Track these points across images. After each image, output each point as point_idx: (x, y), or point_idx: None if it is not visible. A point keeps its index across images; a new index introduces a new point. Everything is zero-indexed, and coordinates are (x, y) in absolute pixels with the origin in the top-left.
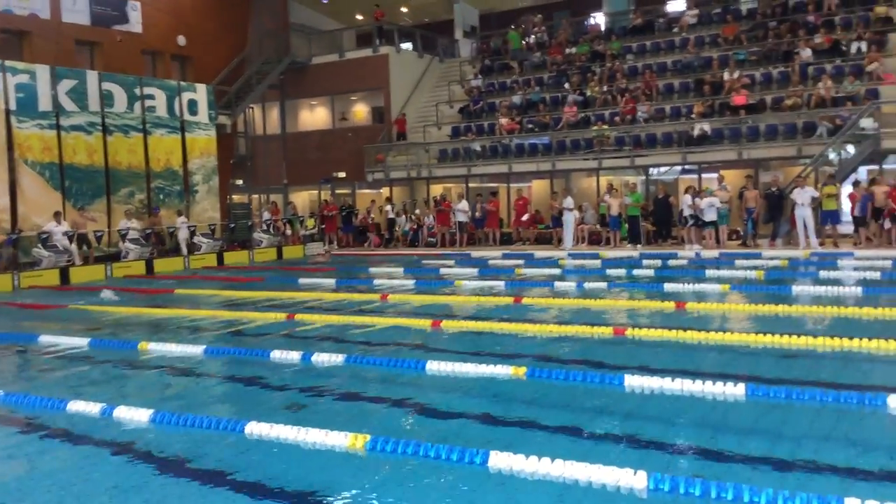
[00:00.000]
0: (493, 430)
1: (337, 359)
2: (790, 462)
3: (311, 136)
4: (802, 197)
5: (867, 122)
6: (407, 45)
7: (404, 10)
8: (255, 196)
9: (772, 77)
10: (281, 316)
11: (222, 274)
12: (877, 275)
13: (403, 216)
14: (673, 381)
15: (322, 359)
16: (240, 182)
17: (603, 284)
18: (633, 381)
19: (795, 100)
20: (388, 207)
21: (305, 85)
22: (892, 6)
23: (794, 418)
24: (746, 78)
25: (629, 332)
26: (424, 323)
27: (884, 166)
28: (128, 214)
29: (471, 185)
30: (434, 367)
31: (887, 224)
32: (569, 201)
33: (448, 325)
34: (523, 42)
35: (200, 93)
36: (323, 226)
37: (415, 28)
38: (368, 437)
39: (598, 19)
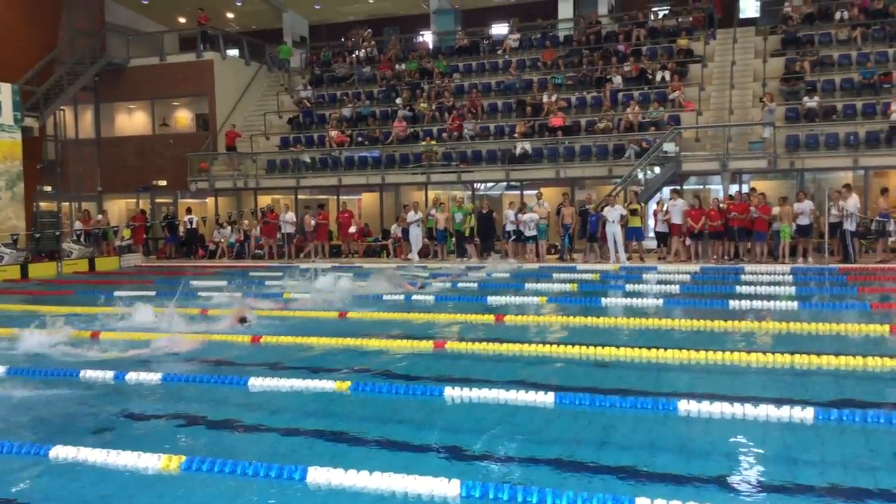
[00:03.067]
0: (316, 445)
1: (153, 377)
2: (592, 465)
3: (129, 142)
4: (612, 215)
5: (670, 146)
6: (233, 52)
7: (230, 15)
8: (66, 204)
9: (586, 101)
10: (85, 334)
11: (26, 287)
12: (676, 288)
13: (229, 228)
14: (490, 391)
15: (135, 377)
16: (49, 189)
17: (430, 298)
18: (452, 393)
19: (607, 123)
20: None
21: (123, 88)
22: (693, 39)
23: (597, 423)
24: (563, 101)
25: (449, 345)
26: (244, 339)
27: (684, 187)
28: None
29: (300, 196)
30: (257, 383)
31: (688, 241)
32: (412, 215)
33: (271, 340)
34: (353, 56)
35: (4, 93)
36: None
37: (242, 35)
38: (183, 457)
39: (427, 37)
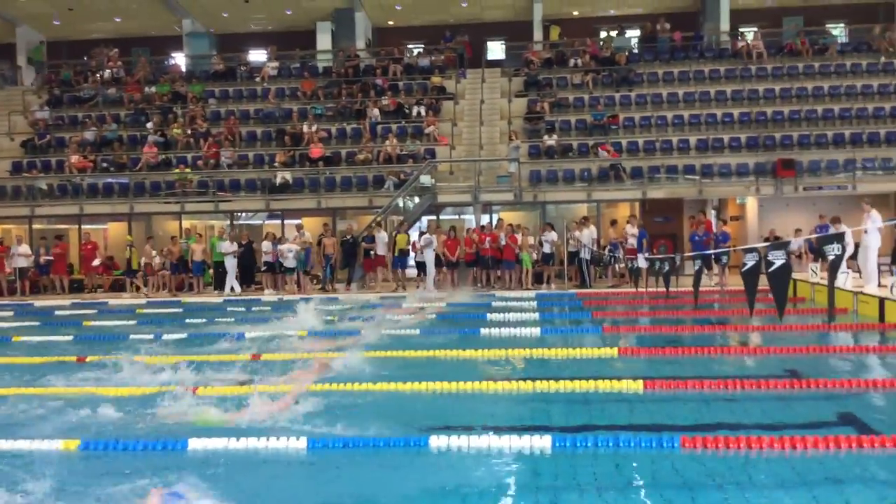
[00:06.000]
0: None
1: None
2: None
3: None
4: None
5: (426, 179)
6: None
7: None
8: None
9: (346, 132)
10: None
11: None
12: (433, 316)
13: None
14: (238, 440)
15: None
16: None
17: (183, 334)
18: (196, 444)
19: (367, 155)
20: None
21: None
22: (446, 77)
23: (346, 467)
24: (324, 132)
25: (200, 390)
26: None
27: (441, 217)
28: None
29: (35, 226)
30: None
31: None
32: (226, 245)
33: None
34: (97, 76)
35: None
36: None
37: None
38: None
39: (179, 60)
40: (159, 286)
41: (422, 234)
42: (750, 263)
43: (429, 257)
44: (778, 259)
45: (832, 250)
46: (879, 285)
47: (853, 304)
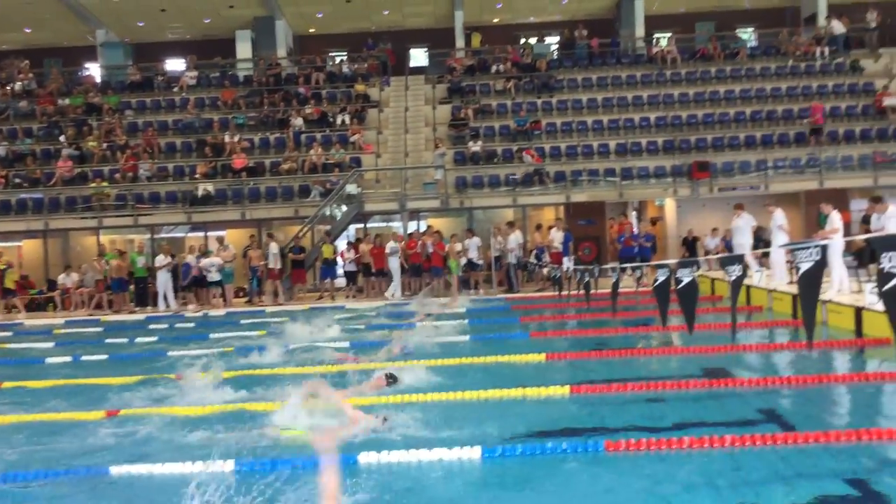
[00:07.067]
0: None
1: None
2: None
3: None
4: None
5: (352, 188)
6: None
7: None
8: None
9: (269, 142)
10: None
11: None
12: (361, 325)
13: None
14: (164, 466)
15: None
16: None
17: (103, 356)
18: (120, 470)
19: (291, 164)
20: None
21: None
22: (370, 85)
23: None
24: (246, 142)
25: (124, 412)
26: None
27: (368, 225)
28: None
29: None
30: None
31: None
32: (160, 259)
33: None
34: (7, 88)
35: None
36: None
37: None
38: None
39: (94, 71)
40: (78, 305)
41: (349, 244)
42: (661, 279)
43: (393, 265)
44: (685, 276)
45: (734, 272)
46: (790, 282)
47: (767, 301)
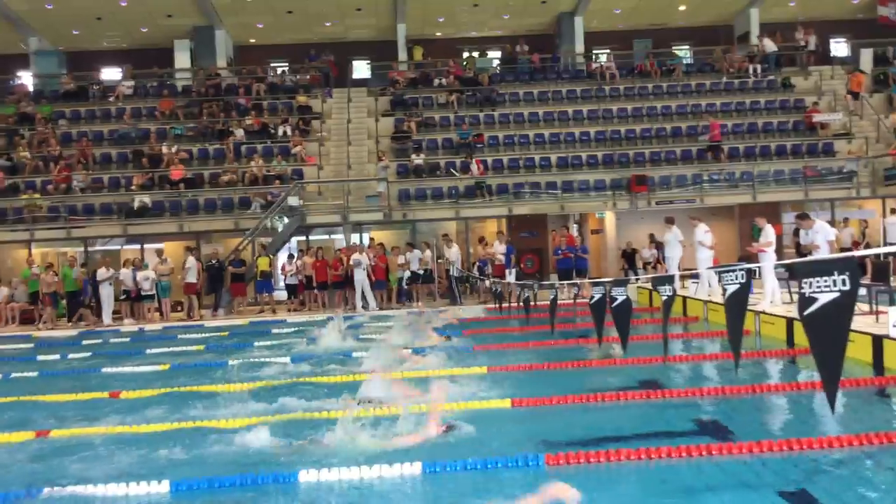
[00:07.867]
0: None
1: None
2: None
3: None
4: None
5: (294, 199)
6: None
7: None
8: None
9: (209, 153)
10: None
11: None
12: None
13: None
14: (97, 486)
15: None
16: None
17: (33, 373)
18: (54, 493)
19: (231, 176)
20: None
21: None
22: (312, 96)
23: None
24: (185, 153)
25: (55, 433)
26: None
27: (311, 237)
28: None
29: None
30: None
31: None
32: (101, 272)
33: None
34: None
35: None
36: None
37: None
38: None
39: (26, 79)
40: (8, 320)
41: (290, 256)
42: (597, 297)
43: (359, 277)
44: (620, 295)
45: (665, 291)
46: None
47: (703, 312)
